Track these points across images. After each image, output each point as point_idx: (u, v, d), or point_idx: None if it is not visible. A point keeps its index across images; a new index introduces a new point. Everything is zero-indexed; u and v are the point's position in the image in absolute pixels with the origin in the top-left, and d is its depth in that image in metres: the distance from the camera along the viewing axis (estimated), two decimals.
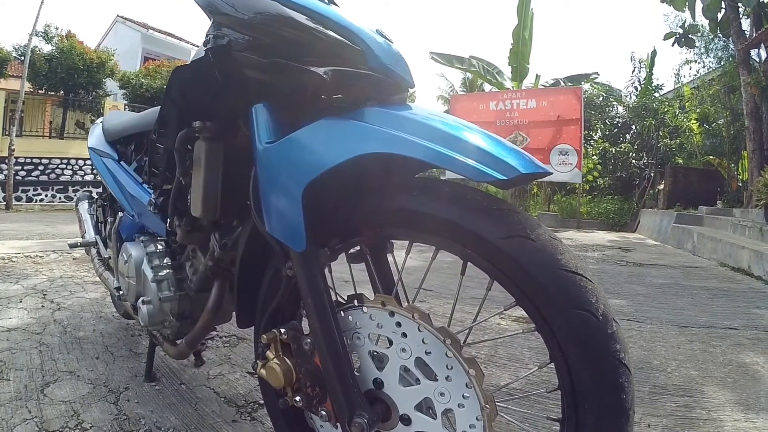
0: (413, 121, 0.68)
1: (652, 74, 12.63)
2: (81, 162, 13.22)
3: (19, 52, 13.26)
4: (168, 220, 1.18)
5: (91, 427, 1.24)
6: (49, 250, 4.19)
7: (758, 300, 3.17)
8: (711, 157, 9.82)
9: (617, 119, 13.02)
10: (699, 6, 8.88)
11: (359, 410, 0.73)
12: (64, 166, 13.04)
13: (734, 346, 2.11)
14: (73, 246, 1.93)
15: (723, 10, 8.63)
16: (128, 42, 19.15)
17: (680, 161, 10.87)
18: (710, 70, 11.42)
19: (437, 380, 0.72)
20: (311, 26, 0.75)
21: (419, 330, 0.73)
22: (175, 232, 1.16)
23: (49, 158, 12.84)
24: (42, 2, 10.51)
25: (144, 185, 1.43)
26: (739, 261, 4.46)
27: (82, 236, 2.04)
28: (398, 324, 0.75)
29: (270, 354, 0.82)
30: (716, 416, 1.43)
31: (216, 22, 0.83)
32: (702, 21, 9.73)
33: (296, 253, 0.76)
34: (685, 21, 10.11)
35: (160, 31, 20.47)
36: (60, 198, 12.74)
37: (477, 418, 0.68)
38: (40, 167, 12.68)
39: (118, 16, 20.94)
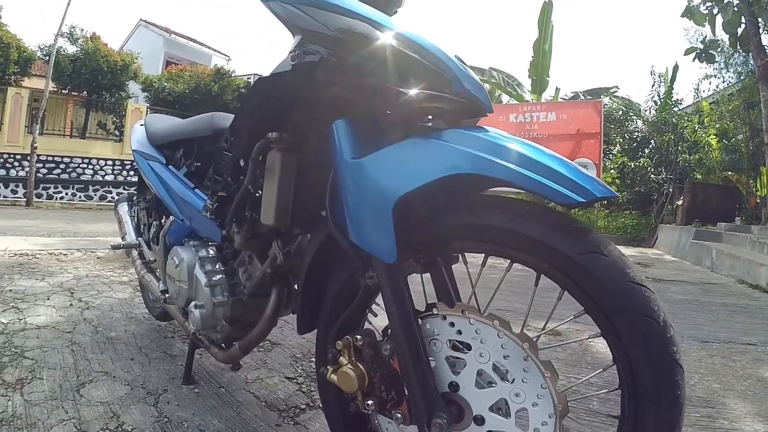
0: (495, 143, 0.72)
1: (672, 89, 12.54)
2: (102, 162, 13.43)
3: (44, 52, 13.49)
4: (225, 226, 1.20)
5: (132, 429, 1.23)
6: (73, 248, 4.21)
7: None
8: (729, 172, 9.75)
9: (636, 133, 12.90)
10: (719, 21, 8.81)
11: (438, 411, 0.77)
12: (85, 165, 13.24)
13: (754, 361, 2.14)
14: (116, 247, 1.95)
15: (743, 26, 8.54)
16: (150, 45, 19.37)
17: (699, 177, 10.78)
18: (730, 85, 11.32)
19: (513, 382, 0.76)
20: (403, 51, 0.79)
21: (498, 336, 0.77)
22: (232, 238, 1.18)
23: (71, 157, 13.04)
24: (68, 3, 10.74)
25: (196, 190, 1.44)
26: (757, 278, 4.43)
27: (123, 238, 2.04)
28: (477, 331, 0.79)
29: (343, 359, 0.85)
30: (738, 426, 1.48)
31: (303, 39, 0.86)
32: (722, 36, 9.67)
33: (383, 264, 0.79)
34: (705, 36, 10.02)
35: (182, 36, 20.75)
36: (80, 197, 12.93)
37: (549, 416, 0.73)
38: (62, 165, 12.88)
39: (141, 19, 21.26)
